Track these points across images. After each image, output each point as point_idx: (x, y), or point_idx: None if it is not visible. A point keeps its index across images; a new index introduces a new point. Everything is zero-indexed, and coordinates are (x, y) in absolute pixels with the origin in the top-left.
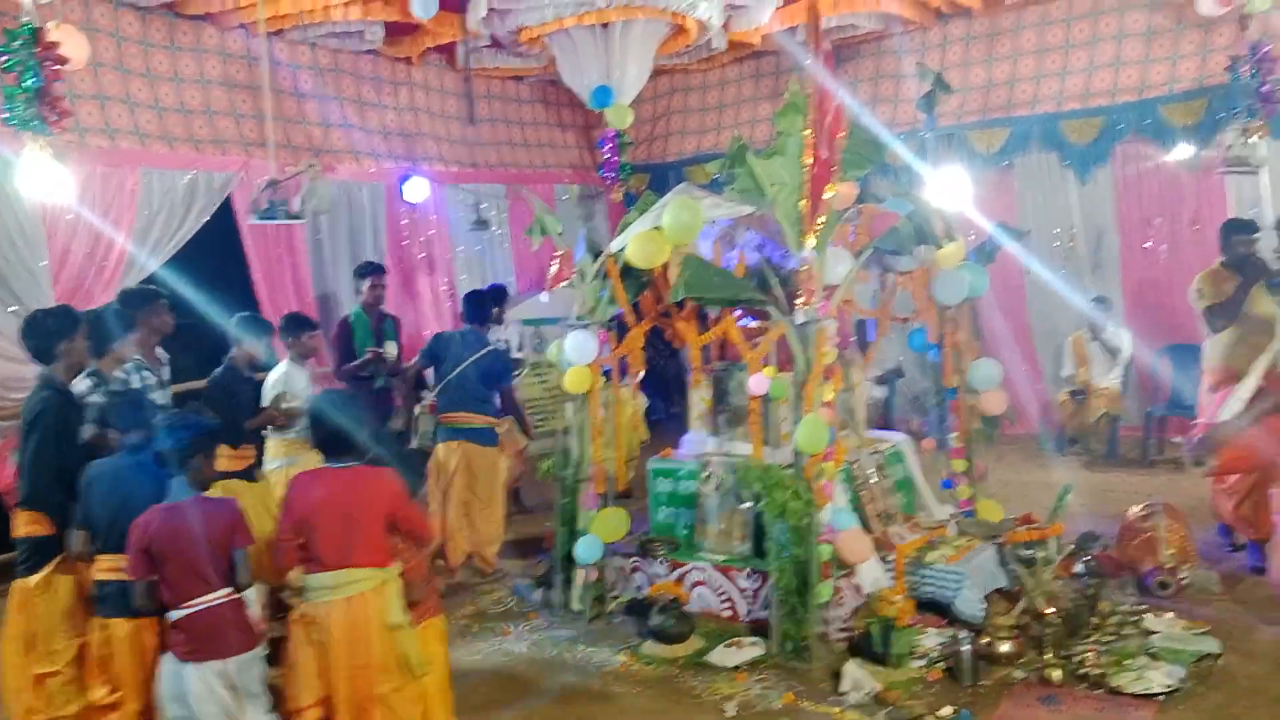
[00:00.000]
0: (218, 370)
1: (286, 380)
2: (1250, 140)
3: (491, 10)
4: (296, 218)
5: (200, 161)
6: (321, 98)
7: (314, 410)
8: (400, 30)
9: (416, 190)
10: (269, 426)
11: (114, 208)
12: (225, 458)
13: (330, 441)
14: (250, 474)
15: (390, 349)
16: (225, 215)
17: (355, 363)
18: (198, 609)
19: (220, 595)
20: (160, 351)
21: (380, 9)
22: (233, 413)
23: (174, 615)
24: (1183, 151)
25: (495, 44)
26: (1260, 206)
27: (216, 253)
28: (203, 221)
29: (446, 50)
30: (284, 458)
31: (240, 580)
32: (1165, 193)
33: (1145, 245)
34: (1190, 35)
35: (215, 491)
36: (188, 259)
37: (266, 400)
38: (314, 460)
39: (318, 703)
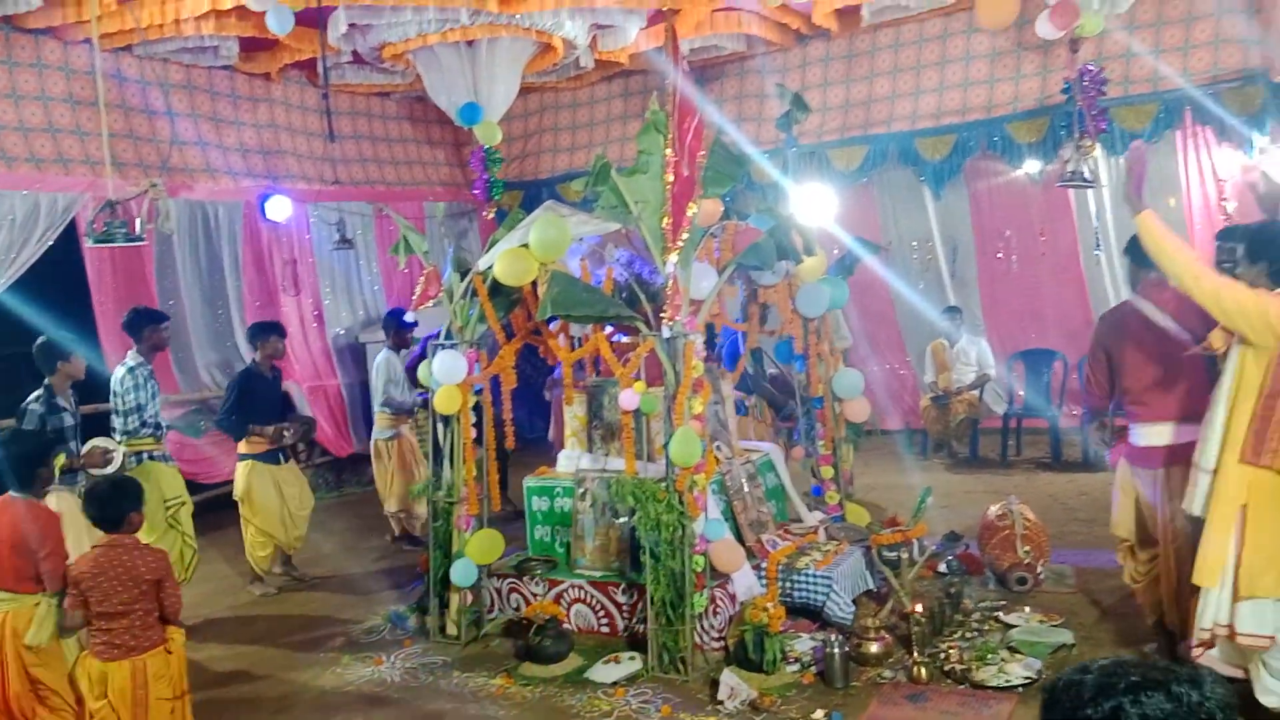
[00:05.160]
0: (239, 371)
1: (387, 367)
2: (1085, 156)
3: (352, 26)
4: (136, 240)
5: (42, 182)
6: (174, 114)
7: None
8: (258, 46)
9: (278, 209)
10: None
11: None
12: (245, 443)
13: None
14: (274, 457)
15: None
16: (71, 237)
17: None
18: None
19: None
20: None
21: (234, 24)
22: (240, 409)
23: None
24: (1029, 167)
25: (358, 60)
26: (1103, 219)
27: (59, 276)
28: (47, 244)
29: (308, 66)
30: (389, 430)
31: None
32: (1015, 206)
33: (998, 256)
34: (1031, 57)
35: (241, 470)
36: (28, 283)
37: (375, 383)
38: (411, 436)
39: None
